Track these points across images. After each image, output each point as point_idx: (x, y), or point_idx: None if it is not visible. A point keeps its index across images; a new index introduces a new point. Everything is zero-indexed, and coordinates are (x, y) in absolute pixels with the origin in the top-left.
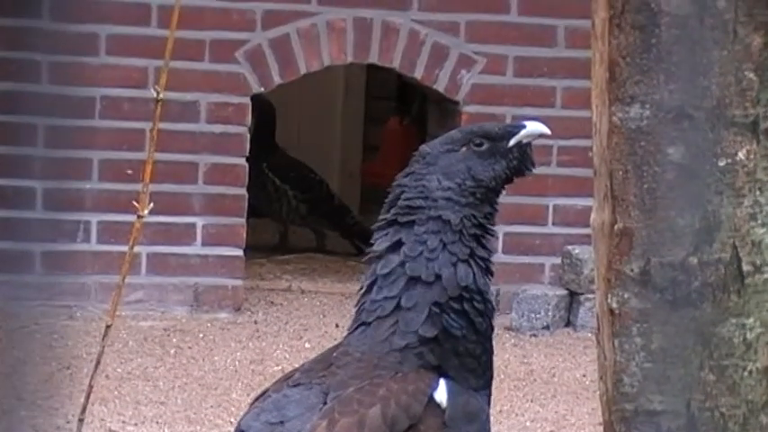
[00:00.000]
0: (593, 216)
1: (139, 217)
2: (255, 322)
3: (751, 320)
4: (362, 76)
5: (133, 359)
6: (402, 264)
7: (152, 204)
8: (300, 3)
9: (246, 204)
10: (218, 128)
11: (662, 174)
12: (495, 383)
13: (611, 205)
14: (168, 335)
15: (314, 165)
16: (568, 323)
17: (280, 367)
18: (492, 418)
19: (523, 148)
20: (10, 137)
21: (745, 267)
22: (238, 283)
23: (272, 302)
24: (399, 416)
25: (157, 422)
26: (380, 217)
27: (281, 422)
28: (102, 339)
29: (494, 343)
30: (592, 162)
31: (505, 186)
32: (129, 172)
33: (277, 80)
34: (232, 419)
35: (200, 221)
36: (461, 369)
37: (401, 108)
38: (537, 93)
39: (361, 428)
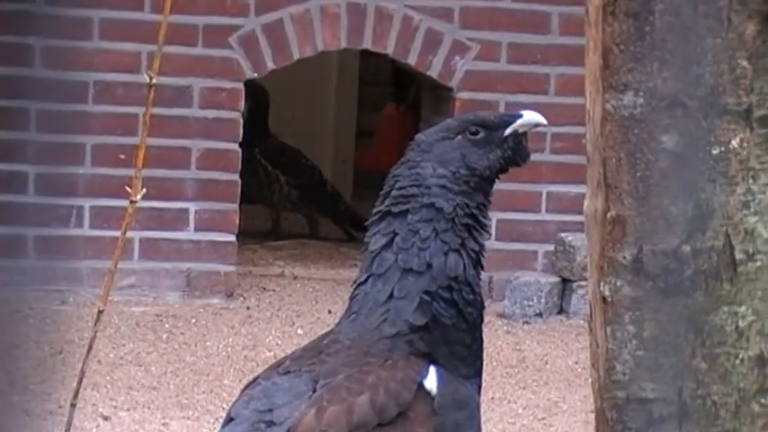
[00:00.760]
0: (586, 203)
1: (132, 202)
2: (248, 308)
3: (743, 308)
4: (356, 61)
5: (125, 344)
6: (396, 259)
7: (145, 189)
8: None
9: (239, 190)
10: (211, 113)
11: (655, 162)
12: (487, 370)
13: (604, 193)
14: (161, 320)
15: (307, 151)
16: (561, 310)
17: (272, 353)
18: (484, 404)
19: (519, 138)
20: (3, 121)
21: (738, 255)
22: (231, 268)
23: (264, 288)
24: (388, 403)
25: (149, 407)
26: (375, 210)
27: (270, 410)
28: (95, 324)
29: (486, 330)
30: (585, 149)
31: (499, 176)
32: (122, 157)
33: (270, 66)
34: (224, 405)
35: (192, 207)
36: (452, 357)
37: (397, 94)
38: (531, 79)
39: (349, 416)
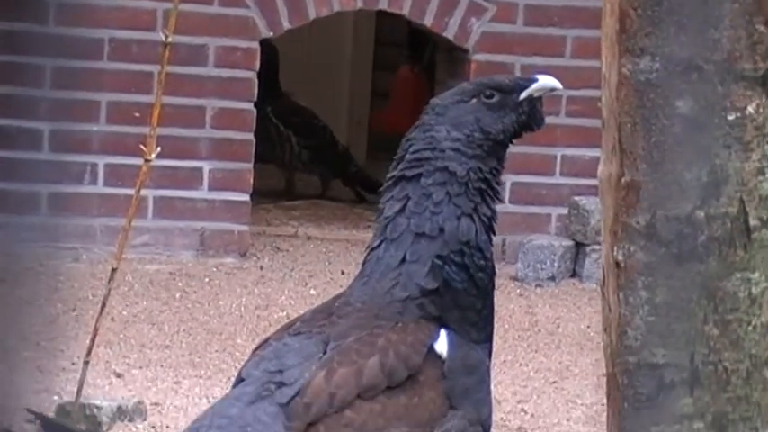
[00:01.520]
0: (600, 168)
1: (146, 160)
2: (261, 268)
3: (756, 275)
4: (372, 22)
5: (138, 302)
6: (408, 224)
7: (159, 148)
8: None
9: (254, 150)
10: (226, 72)
11: (670, 127)
12: (499, 333)
13: (618, 158)
14: (174, 279)
15: (321, 112)
16: (574, 274)
17: (285, 313)
18: (495, 367)
19: (534, 102)
20: (17, 77)
21: (752, 222)
22: (244, 228)
23: (277, 248)
24: (398, 366)
25: (162, 365)
26: (389, 175)
27: (281, 371)
28: (108, 282)
29: (498, 292)
30: (600, 113)
31: (513, 141)
32: (137, 115)
33: (286, 25)
34: (236, 364)
35: (206, 166)
36: (462, 322)
37: (413, 56)
38: (547, 42)
39: (359, 378)
